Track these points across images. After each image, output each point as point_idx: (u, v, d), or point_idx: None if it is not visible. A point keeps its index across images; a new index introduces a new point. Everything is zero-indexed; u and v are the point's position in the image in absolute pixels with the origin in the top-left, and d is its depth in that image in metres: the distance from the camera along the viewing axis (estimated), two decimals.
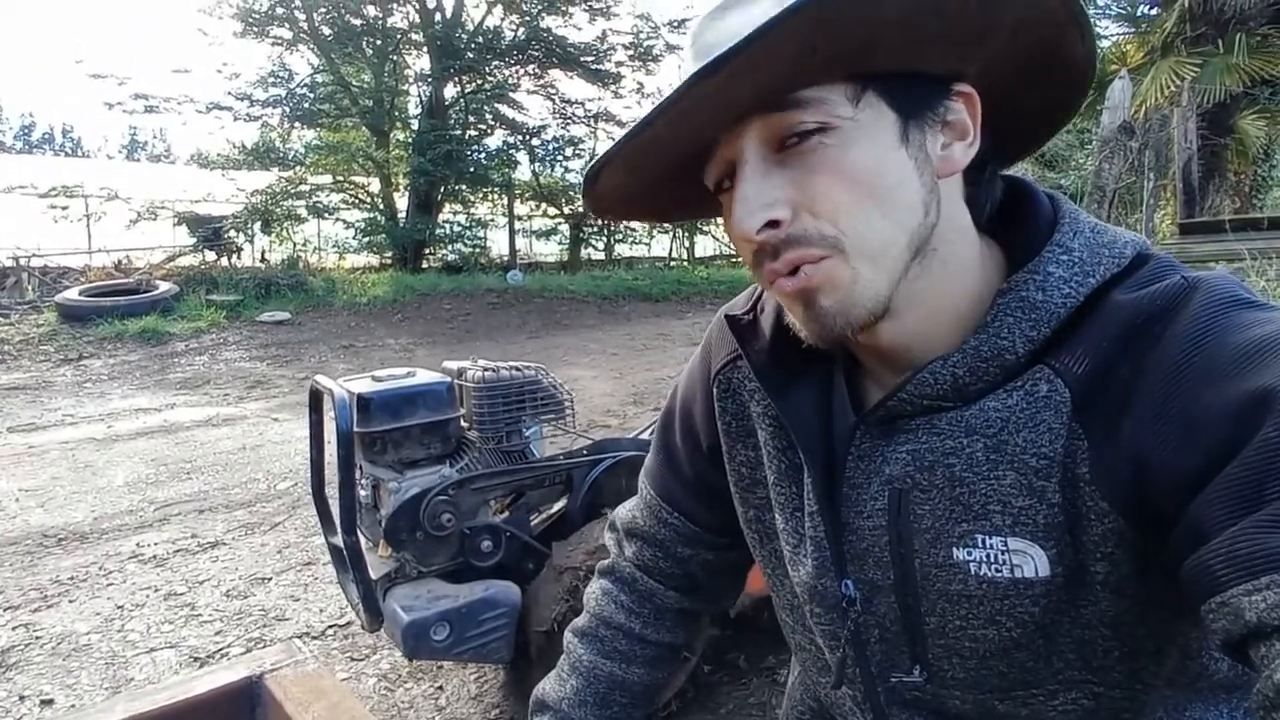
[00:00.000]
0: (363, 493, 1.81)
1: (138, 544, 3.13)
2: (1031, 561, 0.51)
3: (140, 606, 2.61)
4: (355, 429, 1.69)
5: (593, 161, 0.53)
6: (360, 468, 1.80)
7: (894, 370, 0.58)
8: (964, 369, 0.51)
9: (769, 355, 0.63)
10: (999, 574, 0.52)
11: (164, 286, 8.92)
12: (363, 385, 1.78)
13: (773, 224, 0.50)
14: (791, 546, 0.64)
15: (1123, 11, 10.85)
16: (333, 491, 1.78)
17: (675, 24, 15.51)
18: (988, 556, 0.52)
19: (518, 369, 1.98)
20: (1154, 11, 10.28)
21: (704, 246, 18.33)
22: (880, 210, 0.50)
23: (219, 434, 4.85)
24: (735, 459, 0.70)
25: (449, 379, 1.89)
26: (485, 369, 1.95)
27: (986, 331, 0.51)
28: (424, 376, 1.87)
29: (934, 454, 0.54)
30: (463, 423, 1.94)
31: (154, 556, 3.01)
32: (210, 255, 11.36)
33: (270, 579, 2.81)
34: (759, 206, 0.50)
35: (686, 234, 17.50)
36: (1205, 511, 0.40)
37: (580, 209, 15.86)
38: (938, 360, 0.52)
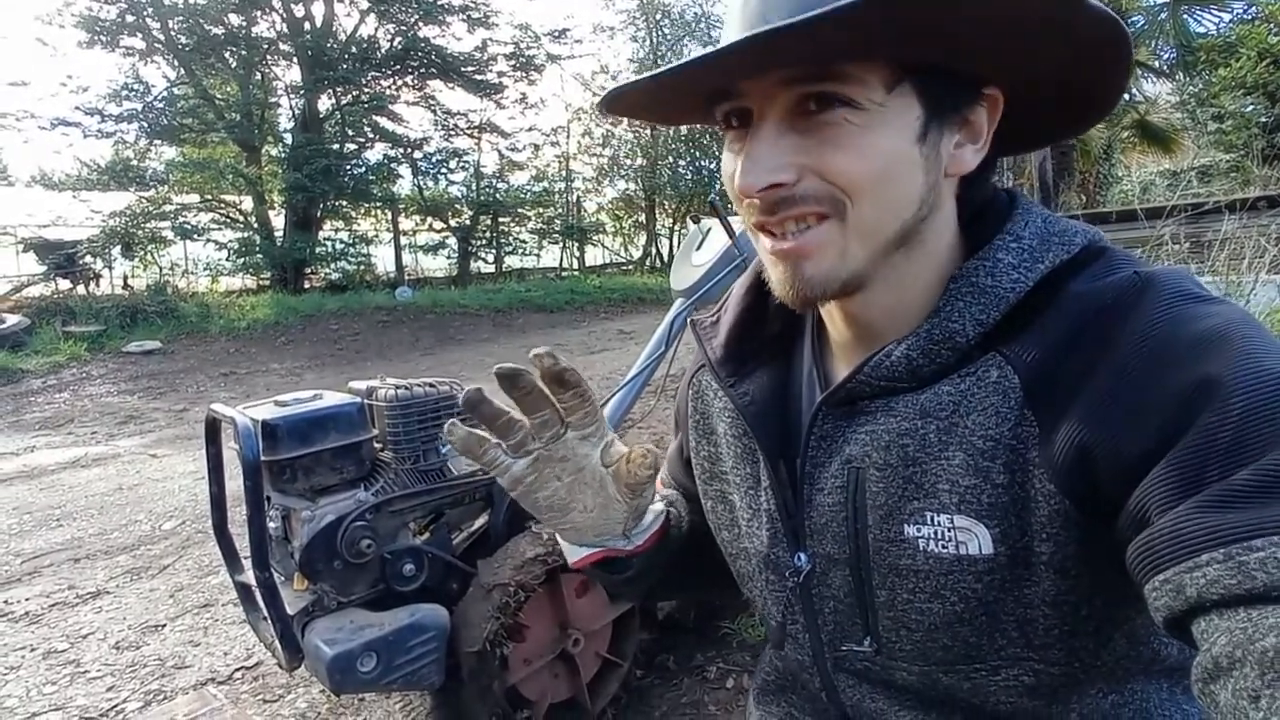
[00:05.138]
0: (272, 525, 1.73)
1: (5, 600, 2.85)
2: (975, 539, 0.53)
3: (15, 669, 2.37)
4: (262, 457, 1.61)
5: (627, 82, 0.53)
6: (269, 498, 1.72)
7: (864, 352, 0.60)
8: (918, 351, 0.54)
9: (724, 350, 0.69)
10: (945, 550, 0.54)
11: (12, 320, 8.16)
12: (267, 411, 1.69)
13: (775, 185, 0.51)
14: (746, 520, 0.68)
15: None
16: (236, 528, 1.69)
17: (556, 34, 15.51)
18: (935, 534, 0.54)
19: (431, 384, 1.93)
20: None
21: (594, 256, 18.39)
22: (884, 196, 0.51)
23: (90, 475, 4.47)
24: (700, 454, 0.75)
25: (359, 399, 1.83)
26: (397, 386, 1.89)
27: (939, 315, 0.54)
28: (332, 398, 1.80)
29: (890, 434, 0.56)
30: (376, 444, 1.88)
31: (26, 613, 2.74)
32: (65, 283, 10.42)
33: (164, 625, 2.62)
34: (766, 169, 0.51)
35: (577, 245, 17.51)
36: (1149, 495, 0.42)
37: (467, 221, 15.58)
38: (893, 343, 0.55)
